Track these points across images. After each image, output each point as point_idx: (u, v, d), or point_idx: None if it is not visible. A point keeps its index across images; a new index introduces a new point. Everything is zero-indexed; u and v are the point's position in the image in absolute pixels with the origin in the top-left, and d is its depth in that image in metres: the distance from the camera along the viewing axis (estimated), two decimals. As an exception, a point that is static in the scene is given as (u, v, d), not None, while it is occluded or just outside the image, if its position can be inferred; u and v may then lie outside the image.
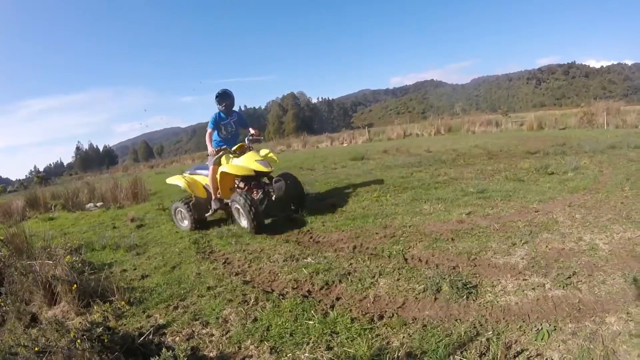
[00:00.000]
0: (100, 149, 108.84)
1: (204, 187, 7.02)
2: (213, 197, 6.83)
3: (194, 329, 3.45)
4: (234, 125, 6.97)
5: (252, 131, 6.91)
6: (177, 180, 7.12)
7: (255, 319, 3.43)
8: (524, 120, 24.52)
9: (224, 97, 6.69)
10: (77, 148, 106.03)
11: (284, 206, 7.00)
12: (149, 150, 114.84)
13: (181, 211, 7.08)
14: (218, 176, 6.61)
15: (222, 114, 6.80)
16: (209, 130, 6.73)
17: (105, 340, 2.98)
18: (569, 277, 3.37)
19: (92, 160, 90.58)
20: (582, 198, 5.74)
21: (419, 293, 3.45)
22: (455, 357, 2.58)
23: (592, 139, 12.89)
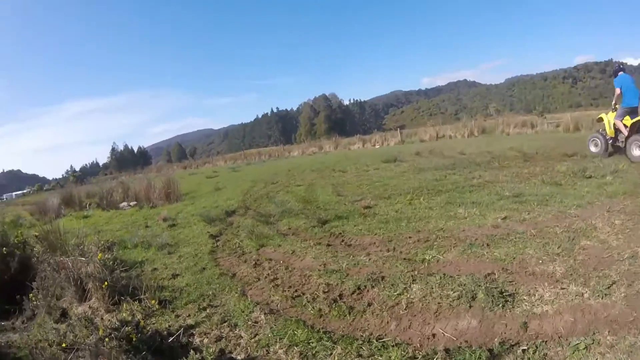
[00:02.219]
0: (135, 150, 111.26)
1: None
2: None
3: (222, 331, 3.44)
4: None
5: None
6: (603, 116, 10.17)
7: (285, 323, 3.39)
8: (560, 122, 23.84)
9: None
10: (113, 149, 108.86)
11: None
12: (182, 151, 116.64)
13: (596, 140, 10.28)
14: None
15: None
16: None
17: (134, 339, 3.00)
18: (609, 287, 3.19)
19: (127, 160, 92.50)
20: (621, 203, 5.47)
21: (454, 300, 3.34)
22: (491, 369, 2.49)
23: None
